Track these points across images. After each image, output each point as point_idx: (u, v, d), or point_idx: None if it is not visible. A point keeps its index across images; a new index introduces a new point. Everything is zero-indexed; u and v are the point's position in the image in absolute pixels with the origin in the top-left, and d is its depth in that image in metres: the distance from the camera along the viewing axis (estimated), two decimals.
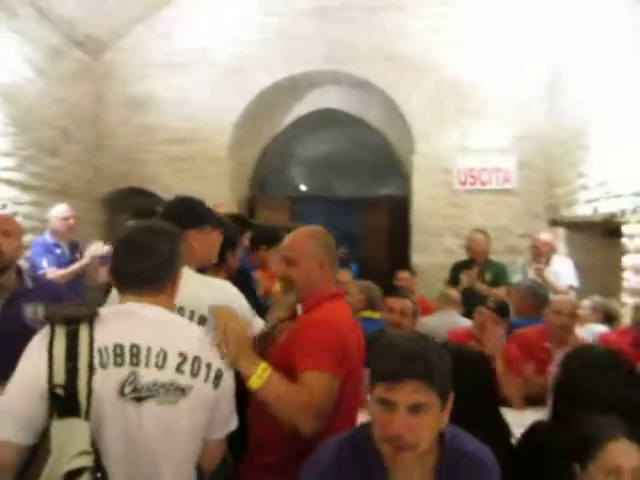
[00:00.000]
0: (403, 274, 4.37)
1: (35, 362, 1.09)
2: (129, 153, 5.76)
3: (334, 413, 1.45)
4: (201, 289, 1.68)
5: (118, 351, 1.12)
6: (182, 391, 1.16)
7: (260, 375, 1.32)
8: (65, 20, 4.95)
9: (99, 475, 1.04)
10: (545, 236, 4.18)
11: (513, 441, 1.64)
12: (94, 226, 5.59)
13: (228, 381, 1.27)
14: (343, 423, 1.47)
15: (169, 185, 5.67)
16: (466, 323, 3.27)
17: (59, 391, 1.05)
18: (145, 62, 5.73)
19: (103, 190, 5.78)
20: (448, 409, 1.13)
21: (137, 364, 1.12)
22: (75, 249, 3.98)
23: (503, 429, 1.64)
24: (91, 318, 1.12)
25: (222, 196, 5.59)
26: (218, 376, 1.23)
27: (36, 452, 1.06)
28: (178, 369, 1.16)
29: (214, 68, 5.65)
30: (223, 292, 1.74)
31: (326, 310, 1.57)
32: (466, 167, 5.23)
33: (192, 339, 1.23)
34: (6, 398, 1.10)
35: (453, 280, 4.27)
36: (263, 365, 1.34)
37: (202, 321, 1.61)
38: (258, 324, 1.83)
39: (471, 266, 4.38)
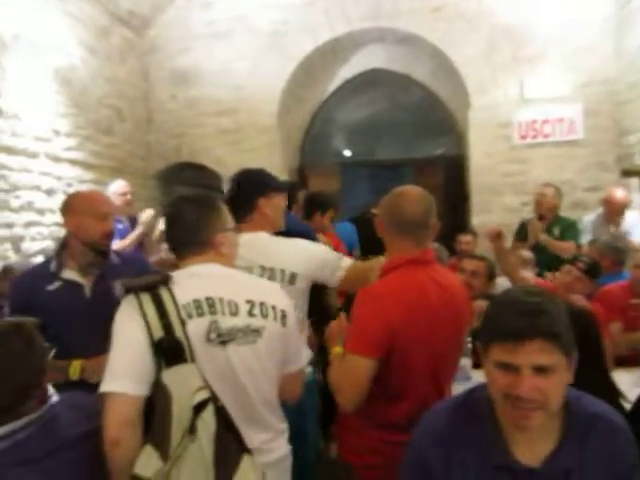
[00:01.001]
0: (466, 238, 4.21)
1: (132, 326, 1.19)
2: (178, 127, 5.80)
3: (385, 389, 1.49)
4: (288, 249, 1.83)
5: (197, 304, 1.24)
6: (257, 332, 1.30)
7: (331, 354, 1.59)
8: None
9: (220, 404, 1.16)
10: (621, 194, 3.91)
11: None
12: (150, 202, 5.71)
13: (292, 319, 1.41)
14: (405, 399, 1.51)
15: (221, 157, 5.71)
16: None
17: (162, 344, 1.16)
18: (187, 34, 5.69)
19: (156, 166, 5.87)
20: (573, 368, 1.05)
21: (215, 313, 1.25)
22: (136, 223, 4.08)
23: (615, 391, 1.56)
24: (166, 282, 1.24)
25: (274, 165, 5.58)
26: (284, 315, 1.37)
27: (154, 404, 1.15)
28: (250, 313, 1.30)
29: (256, 35, 5.54)
30: (303, 251, 1.86)
31: (388, 280, 1.54)
32: (526, 119, 4.95)
33: (253, 287, 1.38)
34: (116, 358, 1.19)
35: (520, 239, 4.09)
36: (337, 348, 1.58)
37: (293, 277, 1.79)
38: (347, 261, 1.93)
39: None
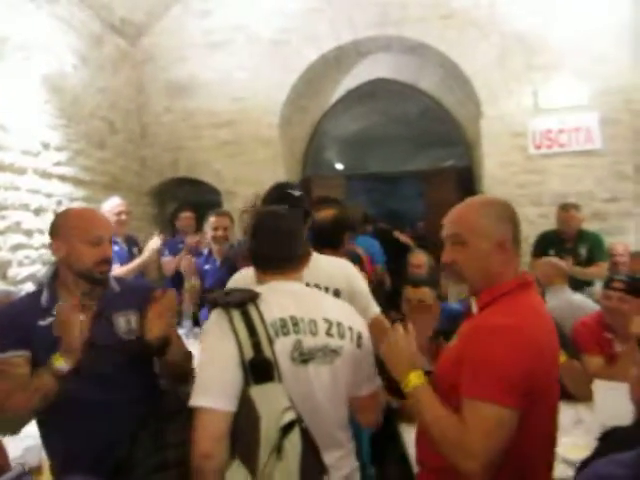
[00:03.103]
0: None
1: (223, 339, 1.20)
2: (175, 141, 5.50)
3: (515, 449, 1.14)
4: (329, 267, 1.79)
5: (282, 323, 1.25)
6: (335, 352, 1.30)
7: (407, 384, 1.26)
8: (102, 4, 4.67)
9: (304, 425, 1.16)
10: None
11: None
12: (144, 219, 5.38)
13: (367, 341, 1.40)
14: (528, 458, 1.18)
15: (220, 171, 5.42)
16: (587, 302, 2.88)
17: (252, 362, 1.18)
18: (184, 44, 5.42)
19: (151, 182, 5.55)
20: None
21: (298, 332, 1.26)
22: (133, 244, 3.76)
23: None
24: (255, 299, 1.25)
25: (277, 178, 5.27)
26: (359, 337, 1.37)
27: (240, 419, 1.16)
28: (328, 333, 1.30)
29: (257, 44, 5.30)
30: (347, 269, 1.84)
31: (510, 309, 1.20)
32: (541, 129, 4.75)
33: (331, 308, 1.37)
34: (207, 372, 1.21)
35: (540, 254, 3.87)
36: (415, 374, 1.26)
37: (337, 294, 1.75)
38: (376, 310, 1.88)
39: (560, 238, 3.98)
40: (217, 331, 1.23)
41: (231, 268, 2.25)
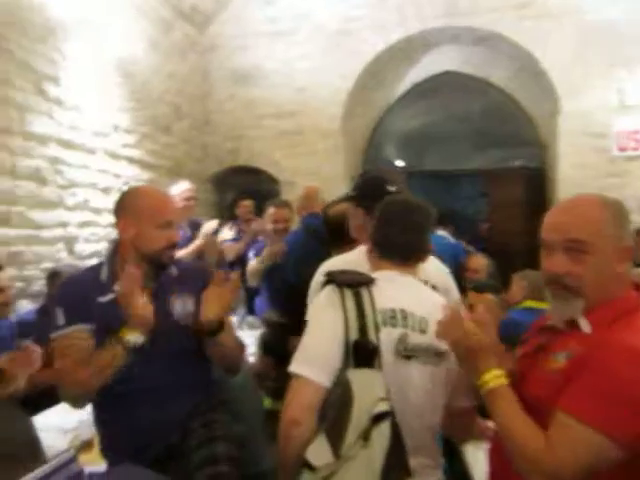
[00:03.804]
0: None
1: (332, 315, 1.19)
2: (236, 129, 5.52)
3: None
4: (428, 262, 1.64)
5: (392, 314, 1.22)
6: (441, 355, 1.24)
7: (486, 382, 1.08)
8: None
9: (396, 420, 1.12)
10: None
11: None
12: (204, 205, 5.43)
13: None
14: None
15: (279, 161, 5.40)
16: None
17: (356, 344, 1.16)
18: (249, 32, 5.41)
19: (212, 169, 5.59)
20: None
21: (406, 326, 1.23)
22: (196, 229, 3.76)
23: None
24: (369, 284, 1.23)
25: (336, 171, 5.23)
26: None
27: (333, 397, 1.14)
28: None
29: (321, 33, 5.21)
30: (440, 265, 1.74)
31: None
32: (627, 129, 4.41)
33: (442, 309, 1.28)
34: (312, 343, 1.21)
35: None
36: (496, 372, 1.08)
37: (434, 289, 1.62)
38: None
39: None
40: (328, 306, 1.22)
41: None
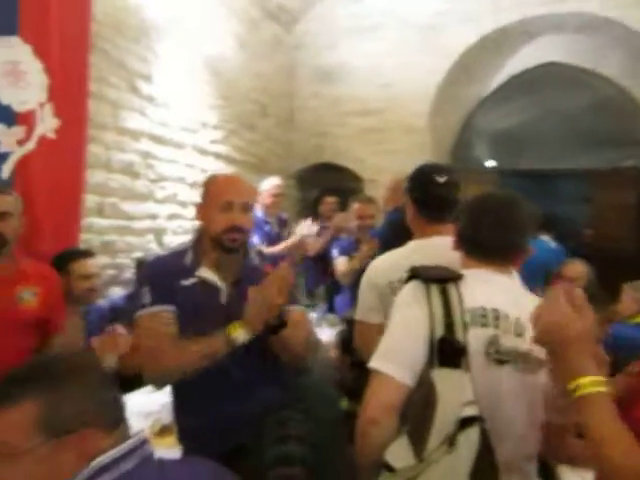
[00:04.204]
0: None
1: (416, 311, 1.12)
2: (320, 127, 5.50)
3: None
4: None
5: (482, 312, 1.13)
6: (540, 363, 1.10)
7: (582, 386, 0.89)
8: None
9: (486, 427, 1.02)
10: None
11: None
12: (287, 202, 5.45)
13: None
14: None
15: (363, 159, 5.30)
16: None
17: (442, 342, 1.09)
18: (335, 30, 5.38)
19: (295, 166, 5.61)
20: None
21: (498, 327, 1.13)
22: (283, 225, 3.75)
23: None
24: (457, 280, 1.15)
25: None
26: None
27: (415, 397, 1.08)
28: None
29: (409, 28, 5.05)
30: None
31: None
32: None
33: None
34: (394, 339, 1.15)
35: None
36: (595, 377, 0.88)
37: None
38: None
39: None
40: (412, 302, 1.15)
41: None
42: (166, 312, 1.43)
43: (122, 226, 3.17)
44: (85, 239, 2.74)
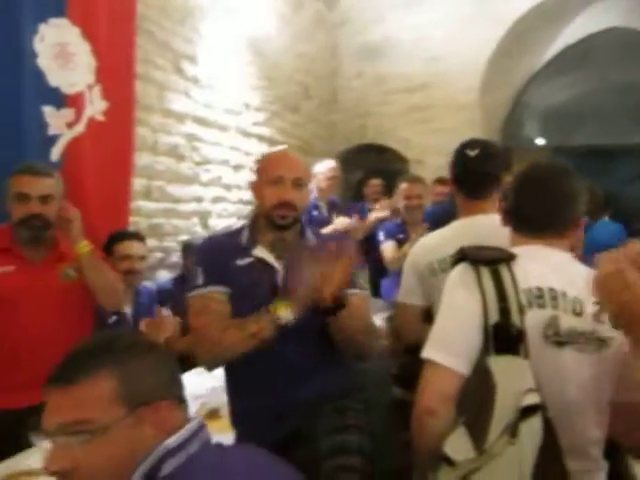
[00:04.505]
0: None
1: (467, 296, 1.07)
2: (364, 106, 5.36)
3: None
4: None
5: (538, 293, 1.07)
6: (603, 342, 1.07)
7: None
8: None
9: (549, 415, 0.97)
10: None
11: None
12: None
13: None
14: None
15: (408, 138, 5.13)
16: None
17: (497, 327, 1.03)
18: (380, 4, 5.19)
19: (338, 147, 5.51)
20: None
21: (556, 307, 1.07)
22: (333, 208, 3.66)
23: None
24: (509, 260, 1.08)
25: None
26: None
27: (471, 387, 1.03)
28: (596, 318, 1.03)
29: None
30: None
31: None
32: None
33: None
34: (447, 327, 1.09)
35: None
36: None
37: None
38: None
39: None
40: (461, 287, 1.09)
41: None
42: (218, 293, 1.39)
43: (168, 209, 3.18)
44: (133, 222, 2.76)
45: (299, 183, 1.44)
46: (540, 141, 6.13)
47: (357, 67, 5.37)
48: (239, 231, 1.50)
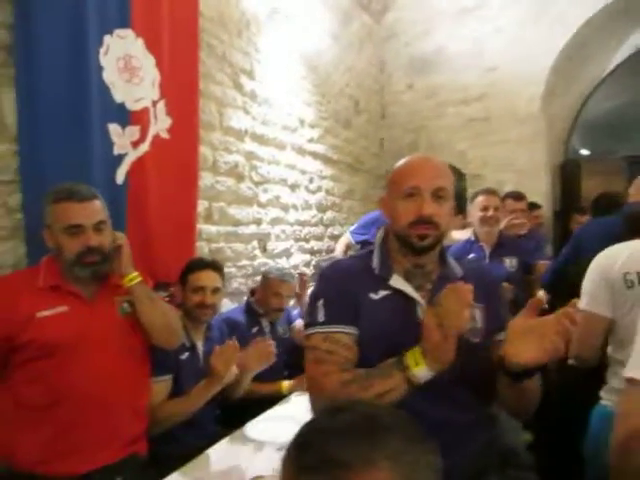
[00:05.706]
0: None
1: None
2: (415, 120, 5.12)
3: None
4: None
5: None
6: None
7: None
8: None
9: None
10: None
11: None
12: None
13: None
14: None
15: (465, 152, 4.85)
16: None
17: None
18: (431, 14, 4.97)
19: (388, 163, 5.26)
20: None
21: None
22: None
23: None
24: None
25: (535, 161, 4.51)
26: None
27: None
28: None
29: (516, 3, 4.56)
30: None
31: None
32: None
33: None
34: None
35: None
36: None
37: None
38: None
39: None
40: None
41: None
42: (343, 335, 1.13)
43: (229, 232, 2.96)
44: (196, 247, 2.56)
45: (440, 195, 1.15)
46: (607, 152, 5.76)
47: (407, 80, 5.15)
48: (368, 257, 1.24)
